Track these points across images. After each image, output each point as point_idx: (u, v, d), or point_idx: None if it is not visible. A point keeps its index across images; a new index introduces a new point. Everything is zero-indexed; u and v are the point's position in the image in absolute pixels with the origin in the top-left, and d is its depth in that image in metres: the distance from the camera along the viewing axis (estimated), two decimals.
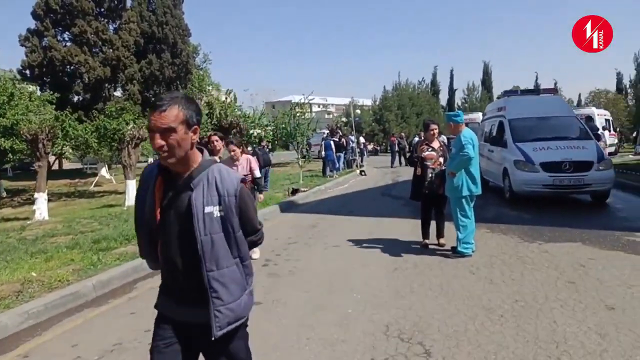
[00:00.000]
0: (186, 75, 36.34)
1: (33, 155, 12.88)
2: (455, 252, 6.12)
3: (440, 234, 6.80)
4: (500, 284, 4.94)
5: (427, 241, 6.78)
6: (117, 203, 15.11)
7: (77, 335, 4.17)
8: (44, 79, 24.89)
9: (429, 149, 6.61)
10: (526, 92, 12.98)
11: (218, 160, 6.41)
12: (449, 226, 6.71)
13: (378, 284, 5.17)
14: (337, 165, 19.97)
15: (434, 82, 50.52)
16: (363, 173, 20.06)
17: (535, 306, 4.28)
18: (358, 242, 7.20)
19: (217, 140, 6.46)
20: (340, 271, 5.75)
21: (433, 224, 6.80)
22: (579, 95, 43.98)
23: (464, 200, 6.07)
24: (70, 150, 16.91)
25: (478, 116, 28.92)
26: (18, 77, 22.49)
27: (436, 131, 6.69)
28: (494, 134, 12.15)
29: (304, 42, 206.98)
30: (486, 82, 49.01)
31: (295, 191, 13.56)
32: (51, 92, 19.69)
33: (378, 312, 4.33)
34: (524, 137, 10.69)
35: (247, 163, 6.27)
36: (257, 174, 6.43)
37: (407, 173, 19.94)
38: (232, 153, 6.14)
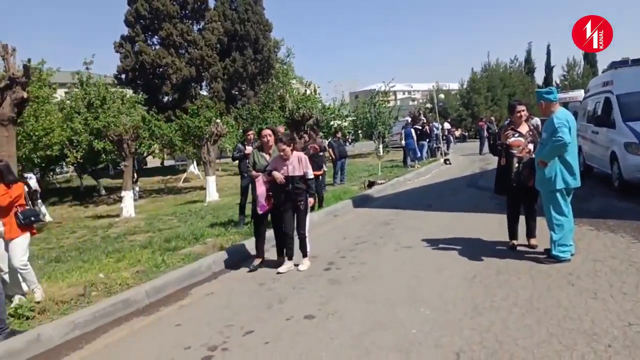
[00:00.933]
0: (268, 70, 36.89)
1: (119, 155, 13.57)
2: (549, 257, 5.14)
3: (531, 233, 5.81)
4: (608, 300, 3.96)
5: (515, 242, 5.83)
6: (200, 199, 15.52)
7: (116, 350, 3.97)
8: (137, 82, 26.47)
9: (516, 135, 5.64)
10: (638, 62, 11.08)
11: (268, 158, 6.03)
12: (541, 224, 5.70)
13: (452, 295, 4.42)
14: (419, 155, 18.92)
15: (528, 60, 46.47)
16: (448, 162, 18.82)
17: None
18: (434, 243, 6.42)
19: (269, 135, 6.05)
20: (410, 278, 5.07)
21: (523, 221, 5.84)
22: None
23: (558, 194, 5.06)
24: (158, 149, 17.70)
25: (579, 94, 25.90)
26: (113, 81, 24.19)
27: (524, 113, 5.69)
28: (599, 112, 10.52)
29: (387, 27, 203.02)
30: (589, 56, 44.00)
31: (371, 184, 12.91)
32: (142, 94, 20.86)
33: (448, 334, 3.62)
34: (636, 115, 9.08)
35: (298, 162, 5.74)
36: (310, 174, 5.87)
37: (496, 161, 18.05)
38: (282, 153, 5.69)
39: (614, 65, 11.09)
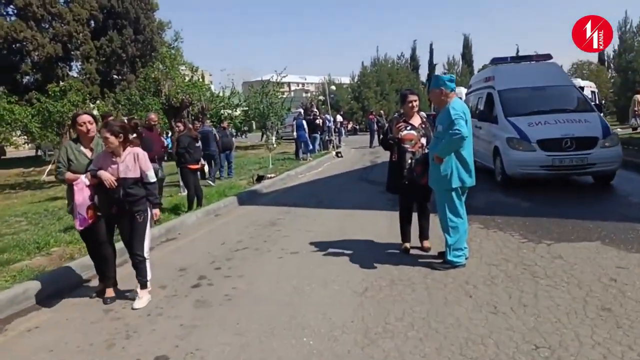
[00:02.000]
0: (151, 52, 34.03)
1: None
2: (444, 262, 4.71)
3: (424, 235, 5.39)
4: (510, 315, 3.54)
5: (408, 245, 5.36)
6: (63, 196, 13.39)
7: None
8: None
9: (408, 127, 5.14)
10: (517, 59, 11.55)
11: (89, 154, 4.29)
12: (435, 223, 5.28)
13: (341, 316, 3.73)
14: (312, 147, 18.43)
15: (413, 57, 48.85)
16: (339, 155, 18.58)
17: (565, 357, 2.90)
18: (323, 247, 5.75)
19: (89, 123, 4.45)
20: (293, 294, 4.30)
21: (415, 221, 5.39)
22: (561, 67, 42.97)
23: (454, 193, 4.64)
24: (15, 137, 15.00)
25: (460, 91, 27.63)
26: None
27: (416, 103, 5.20)
28: (482, 108, 10.75)
29: (282, 19, 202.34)
30: (466, 55, 47.51)
31: (260, 178, 12.03)
32: None
33: None
34: (517, 111, 9.32)
35: (134, 160, 4.25)
36: (151, 176, 4.35)
37: (387, 154, 18.20)
38: (106, 145, 4.18)
39: (494, 61, 11.42)
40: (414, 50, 49.29)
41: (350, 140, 27.91)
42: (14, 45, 22.11)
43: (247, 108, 28.51)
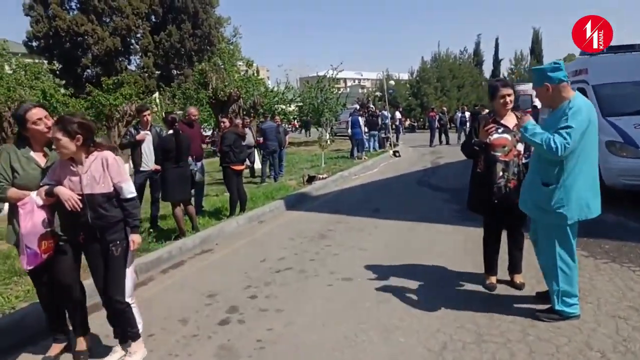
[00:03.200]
0: (209, 47, 34.07)
1: None
2: (551, 312, 3.49)
3: (516, 268, 4.18)
4: None
5: (494, 279, 4.17)
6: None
7: None
8: (53, 51, 23.09)
9: (499, 130, 3.94)
10: (615, 48, 9.84)
11: (42, 162, 3.07)
12: (529, 253, 4.07)
13: None
14: (368, 146, 17.29)
15: (476, 52, 46.20)
16: (397, 154, 17.31)
17: None
18: (381, 273, 4.67)
19: (45, 118, 3.11)
20: (342, 347, 3.26)
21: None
22: None
23: (569, 228, 3.39)
24: None
25: (529, 87, 25.43)
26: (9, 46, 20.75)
27: (510, 99, 3.98)
28: None
29: (339, 15, 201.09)
30: (535, 50, 44.28)
31: (311, 179, 11.07)
32: (55, 65, 17.79)
33: None
34: (618, 110, 7.79)
35: (102, 169, 3.00)
36: (128, 191, 3.07)
37: (449, 154, 17.08)
38: (58, 149, 2.93)
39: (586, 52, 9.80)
40: (477, 45, 46.67)
41: (407, 139, 26.42)
42: (76, 39, 22.47)
43: (301, 103, 27.73)
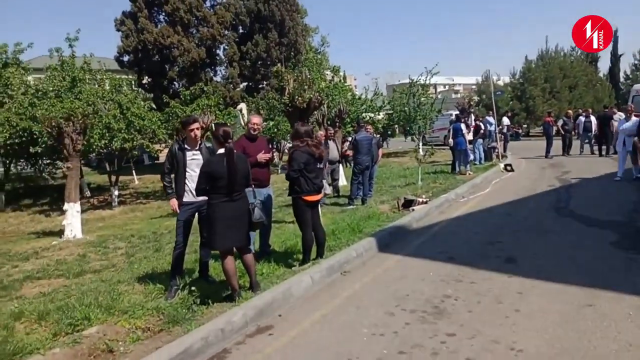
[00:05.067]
0: (296, 56, 33.09)
1: (59, 152, 10.08)
2: None
3: None
4: None
5: None
6: None
7: None
8: (142, 65, 23.12)
9: None
10: None
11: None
12: None
13: None
14: (472, 157, 14.64)
15: None
16: (509, 168, 14.43)
17: None
18: None
19: None
20: None
21: None
22: None
23: None
24: (150, 144, 14.17)
25: None
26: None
27: None
28: None
29: (426, 20, 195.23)
30: None
31: (408, 203, 8.87)
32: (145, 78, 17.40)
33: None
34: None
35: None
36: None
37: (575, 168, 13.76)
38: None
39: None
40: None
41: (515, 148, 22.97)
42: (164, 51, 22.25)
43: (391, 111, 25.47)
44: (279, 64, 10.06)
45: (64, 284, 6.29)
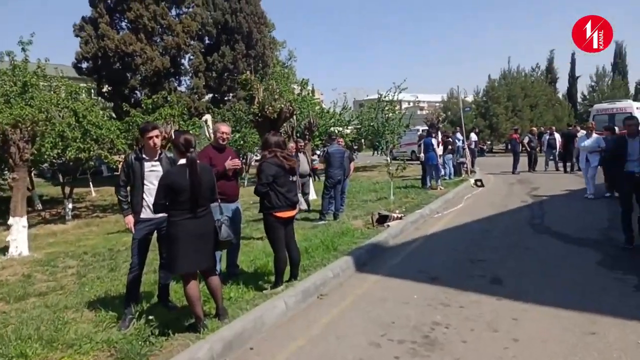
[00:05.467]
0: (263, 68, 32.72)
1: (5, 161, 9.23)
2: None
3: None
4: None
5: None
6: None
7: None
8: (101, 72, 22.13)
9: None
10: None
11: None
12: None
13: None
14: (443, 172, 14.53)
15: (549, 69, 42.24)
16: (479, 183, 14.38)
17: None
18: None
19: None
20: None
21: None
22: None
23: None
24: (108, 155, 13.32)
25: (629, 105, 21.79)
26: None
27: None
28: None
29: (390, 39, 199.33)
30: (619, 65, 39.82)
31: (382, 219, 8.51)
32: (104, 86, 16.54)
33: None
34: None
35: None
36: None
37: (544, 184, 13.88)
38: None
39: None
40: (550, 61, 42.64)
41: (480, 163, 23.17)
42: (125, 59, 21.36)
43: (359, 125, 25.34)
44: (247, 72, 9.56)
45: (2, 310, 5.54)
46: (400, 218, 8.71)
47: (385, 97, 24.42)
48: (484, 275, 5.28)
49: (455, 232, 7.91)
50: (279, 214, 4.79)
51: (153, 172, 4.50)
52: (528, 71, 39.93)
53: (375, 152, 26.43)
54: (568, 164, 17.31)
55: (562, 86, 42.72)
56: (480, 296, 4.60)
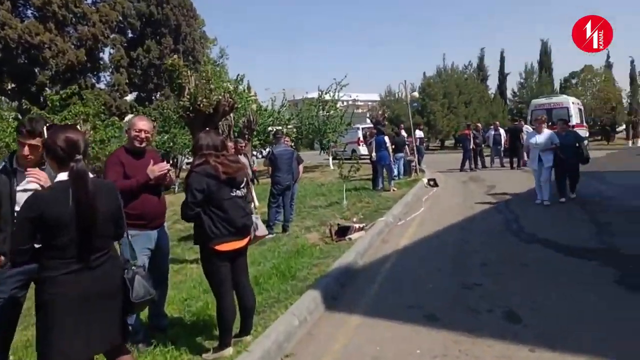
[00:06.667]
0: (194, 64, 30.53)
1: None
2: None
3: None
4: None
5: None
6: None
7: None
8: (3, 68, 19.18)
9: None
10: None
11: None
12: None
13: None
14: (395, 172, 13.54)
15: (480, 67, 43.20)
16: (432, 183, 13.53)
17: None
18: None
19: None
20: None
21: None
22: None
23: None
24: None
25: (564, 99, 22.17)
26: None
27: None
28: None
29: (328, 36, 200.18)
30: (544, 63, 41.37)
31: (343, 231, 7.23)
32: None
33: None
34: None
35: None
36: None
37: (500, 181, 13.20)
38: None
39: None
40: (481, 59, 43.57)
41: (425, 161, 22.59)
42: (31, 51, 18.59)
43: (299, 124, 24.03)
44: (175, 56, 7.92)
45: None
46: (363, 229, 7.47)
47: (326, 94, 23.33)
48: (491, 310, 4.11)
49: (429, 245, 6.76)
50: (220, 247, 3.32)
51: (29, 193, 2.90)
52: (461, 69, 40.58)
53: (323, 151, 25.28)
54: (515, 160, 17.02)
55: (492, 83, 43.87)
56: (503, 345, 3.41)
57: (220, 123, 7.21)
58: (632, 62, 35.98)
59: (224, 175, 3.36)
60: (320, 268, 5.50)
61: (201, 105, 6.19)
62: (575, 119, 20.04)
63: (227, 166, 3.42)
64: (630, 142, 29.31)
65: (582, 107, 23.69)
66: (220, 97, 6.33)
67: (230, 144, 8.45)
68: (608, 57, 38.21)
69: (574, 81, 37.54)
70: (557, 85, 39.59)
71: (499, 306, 4.17)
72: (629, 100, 34.17)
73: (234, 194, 3.47)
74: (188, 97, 6.24)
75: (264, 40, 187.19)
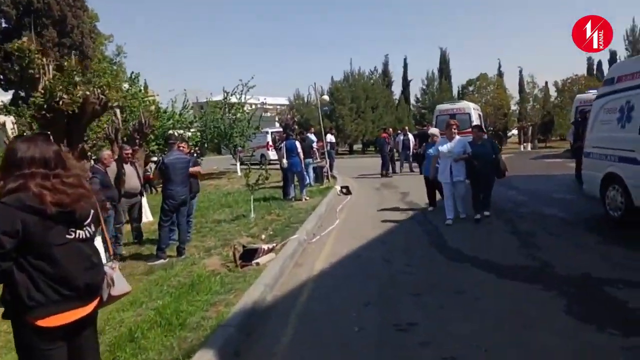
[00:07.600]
0: (83, 61, 27.38)
1: None
2: None
3: None
4: None
5: None
6: None
7: None
8: None
9: None
10: None
11: None
12: None
13: None
14: (308, 180, 12.63)
15: (385, 73, 44.19)
16: (345, 190, 12.83)
17: None
18: None
19: None
20: None
21: None
22: (555, 82, 38.85)
23: None
24: None
25: (467, 106, 22.88)
26: None
27: None
28: None
29: (232, 39, 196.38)
30: (444, 70, 43.35)
31: (249, 255, 6.10)
32: None
33: None
34: None
35: None
36: None
37: (409, 188, 12.56)
38: None
39: None
40: (385, 65, 44.59)
41: (336, 167, 22.03)
42: None
43: (204, 127, 22.36)
44: (24, 38, 6.27)
45: None
46: (272, 250, 6.41)
47: (232, 95, 21.97)
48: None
49: (349, 268, 5.87)
50: (44, 322, 2.08)
51: None
52: (368, 74, 41.14)
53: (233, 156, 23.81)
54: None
55: (396, 89, 45.05)
56: None
57: (93, 126, 5.76)
58: (520, 71, 38.79)
59: (53, 208, 2.11)
60: (219, 309, 4.36)
61: (61, 103, 4.74)
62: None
63: (60, 193, 2.18)
64: (522, 147, 31.36)
65: (481, 113, 24.73)
66: (88, 91, 4.90)
67: (107, 152, 6.98)
68: (500, 66, 40.87)
69: (470, 88, 39.53)
70: (455, 92, 41.55)
71: (444, 358, 3.34)
72: (518, 108, 36.71)
73: (73, 236, 2.23)
74: (42, 92, 4.75)
75: (167, 39, 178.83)
